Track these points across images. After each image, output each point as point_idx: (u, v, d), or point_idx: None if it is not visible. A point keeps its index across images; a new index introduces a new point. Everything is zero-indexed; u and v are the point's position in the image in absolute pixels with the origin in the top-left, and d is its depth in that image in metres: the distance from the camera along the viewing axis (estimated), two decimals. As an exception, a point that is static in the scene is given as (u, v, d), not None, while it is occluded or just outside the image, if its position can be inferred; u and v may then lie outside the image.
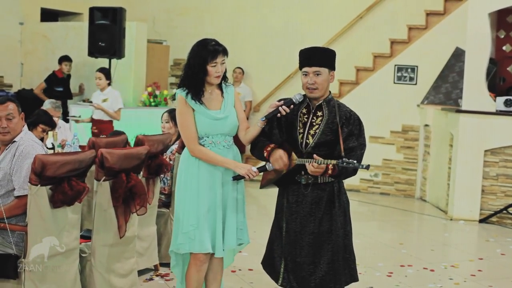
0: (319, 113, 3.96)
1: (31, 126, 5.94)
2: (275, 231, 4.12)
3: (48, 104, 7.06)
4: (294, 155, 3.93)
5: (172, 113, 6.02)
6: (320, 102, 3.97)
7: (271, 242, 4.15)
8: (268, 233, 4.20)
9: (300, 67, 3.99)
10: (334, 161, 3.72)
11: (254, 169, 3.92)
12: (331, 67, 3.97)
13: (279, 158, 3.89)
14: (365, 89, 10.19)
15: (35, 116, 6.24)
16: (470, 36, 8.39)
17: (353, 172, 3.87)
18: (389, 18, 10.72)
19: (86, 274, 4.37)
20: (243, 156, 9.90)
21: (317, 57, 3.93)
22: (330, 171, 3.80)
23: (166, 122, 6.06)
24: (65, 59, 10.27)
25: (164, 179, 5.71)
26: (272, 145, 3.95)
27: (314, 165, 3.75)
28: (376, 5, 10.78)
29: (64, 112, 9.02)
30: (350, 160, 3.66)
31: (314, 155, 3.79)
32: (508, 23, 9.91)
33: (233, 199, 4.06)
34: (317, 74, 3.91)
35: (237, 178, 3.98)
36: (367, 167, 3.68)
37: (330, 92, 4.04)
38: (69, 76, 10.36)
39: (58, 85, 10.22)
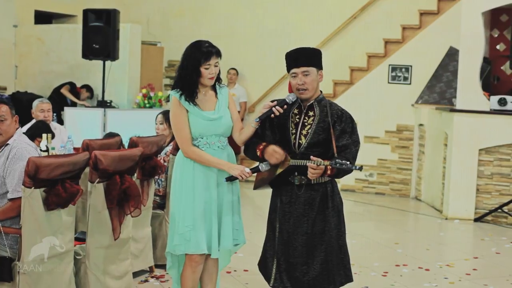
0: (311, 113, 3.97)
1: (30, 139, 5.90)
2: (268, 232, 4.13)
3: (36, 102, 7.06)
4: (287, 157, 3.93)
5: (166, 115, 6.01)
6: (311, 102, 3.98)
7: (265, 243, 4.16)
8: (263, 234, 4.20)
9: (288, 70, 3.99)
10: (327, 162, 3.72)
11: (247, 170, 3.93)
12: (319, 66, 3.97)
13: (273, 152, 3.90)
14: (360, 89, 10.20)
15: (34, 129, 6.19)
16: (464, 36, 8.41)
17: (350, 170, 3.86)
18: (383, 18, 10.74)
19: (80, 276, 4.37)
20: (238, 157, 9.90)
21: (304, 57, 3.93)
22: (329, 171, 3.80)
23: (161, 124, 6.06)
24: (87, 88, 10.48)
25: (158, 180, 5.71)
26: (264, 143, 3.96)
27: (313, 166, 3.75)
28: (370, 5, 10.79)
29: (58, 116, 9.02)
30: (343, 162, 3.66)
31: (311, 157, 3.78)
32: (501, 22, 9.93)
33: (229, 200, 4.07)
34: (306, 74, 3.91)
35: (230, 179, 3.99)
36: (360, 168, 3.67)
37: (321, 91, 4.04)
38: (79, 98, 10.49)
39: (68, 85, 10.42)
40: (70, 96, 10.30)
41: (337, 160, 3.67)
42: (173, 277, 4.29)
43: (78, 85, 10.53)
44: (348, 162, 3.67)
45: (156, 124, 6.11)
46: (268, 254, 4.08)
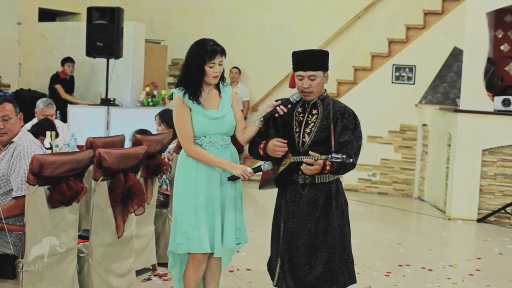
0: (314, 111, 3.97)
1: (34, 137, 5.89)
2: (273, 231, 4.13)
3: (40, 104, 7.02)
4: (289, 155, 3.93)
5: (163, 116, 6.08)
6: (314, 100, 3.98)
7: (271, 242, 4.16)
8: (266, 233, 4.20)
9: (294, 70, 3.98)
10: (323, 157, 3.73)
11: (249, 169, 3.92)
12: (325, 69, 3.97)
13: (274, 147, 3.89)
14: (363, 89, 10.20)
15: (39, 128, 6.18)
16: (468, 36, 8.40)
17: (352, 165, 3.86)
18: (387, 18, 10.73)
19: (84, 274, 4.37)
20: (241, 156, 9.90)
21: (312, 62, 3.92)
22: (328, 167, 3.80)
23: (159, 125, 6.12)
24: (67, 60, 10.30)
25: (166, 180, 5.71)
26: (264, 142, 3.96)
27: (309, 162, 3.75)
28: (374, 5, 10.79)
29: (63, 113, 9.00)
30: (339, 155, 3.67)
31: (310, 152, 3.79)
32: (506, 23, 9.93)
33: (231, 199, 4.07)
34: (312, 79, 3.91)
35: (232, 178, 3.98)
36: (354, 160, 3.73)
37: (325, 90, 4.04)
38: (72, 77, 10.37)
39: (59, 85, 10.23)
40: (68, 97, 10.17)
41: (332, 154, 3.69)
42: (175, 276, 4.29)
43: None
44: (344, 156, 3.68)
45: (156, 125, 6.17)
46: (273, 254, 4.09)
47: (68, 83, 10.34)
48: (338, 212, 3.98)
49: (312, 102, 3.98)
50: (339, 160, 3.69)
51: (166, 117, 6.06)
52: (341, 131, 3.91)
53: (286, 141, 3.92)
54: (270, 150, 3.92)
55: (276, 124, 4.04)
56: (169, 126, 5.98)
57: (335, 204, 3.97)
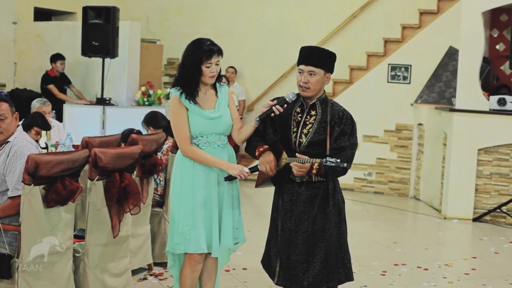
0: (313, 112, 3.96)
1: (25, 129, 5.89)
2: (271, 230, 4.13)
3: (36, 103, 7.00)
4: (284, 154, 3.93)
5: (147, 120, 6.13)
6: (313, 101, 3.97)
7: (268, 241, 4.16)
8: (262, 232, 4.20)
9: (298, 64, 3.99)
10: (318, 160, 3.73)
11: (246, 169, 3.92)
12: (328, 69, 3.95)
13: (268, 163, 3.87)
14: (359, 88, 10.20)
15: (30, 119, 6.18)
16: (463, 35, 8.42)
17: (343, 171, 3.86)
18: (383, 17, 10.75)
19: (79, 273, 4.36)
20: (237, 155, 9.88)
21: (315, 58, 3.91)
22: (314, 170, 3.80)
23: (147, 130, 6.14)
24: (59, 57, 10.17)
25: (156, 180, 5.70)
26: (266, 146, 3.95)
27: (298, 164, 3.77)
28: (370, 4, 10.80)
29: (58, 112, 8.98)
30: (334, 159, 3.67)
31: (297, 154, 3.80)
32: (501, 22, 9.94)
33: (229, 199, 4.06)
34: (311, 74, 3.90)
35: (229, 178, 3.98)
36: (348, 166, 3.73)
37: (324, 91, 4.03)
38: (62, 73, 10.29)
39: (52, 85, 10.16)
40: (64, 97, 10.13)
41: (327, 158, 3.69)
42: (174, 276, 4.27)
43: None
44: (338, 160, 3.68)
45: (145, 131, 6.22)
46: (272, 253, 4.08)
47: (61, 80, 10.23)
48: (335, 210, 3.99)
49: (311, 103, 3.97)
50: (333, 164, 3.69)
51: (150, 120, 6.13)
52: (337, 136, 3.90)
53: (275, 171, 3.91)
54: (264, 160, 3.90)
55: (274, 123, 4.04)
56: (155, 127, 6.02)
57: (332, 202, 3.97)
